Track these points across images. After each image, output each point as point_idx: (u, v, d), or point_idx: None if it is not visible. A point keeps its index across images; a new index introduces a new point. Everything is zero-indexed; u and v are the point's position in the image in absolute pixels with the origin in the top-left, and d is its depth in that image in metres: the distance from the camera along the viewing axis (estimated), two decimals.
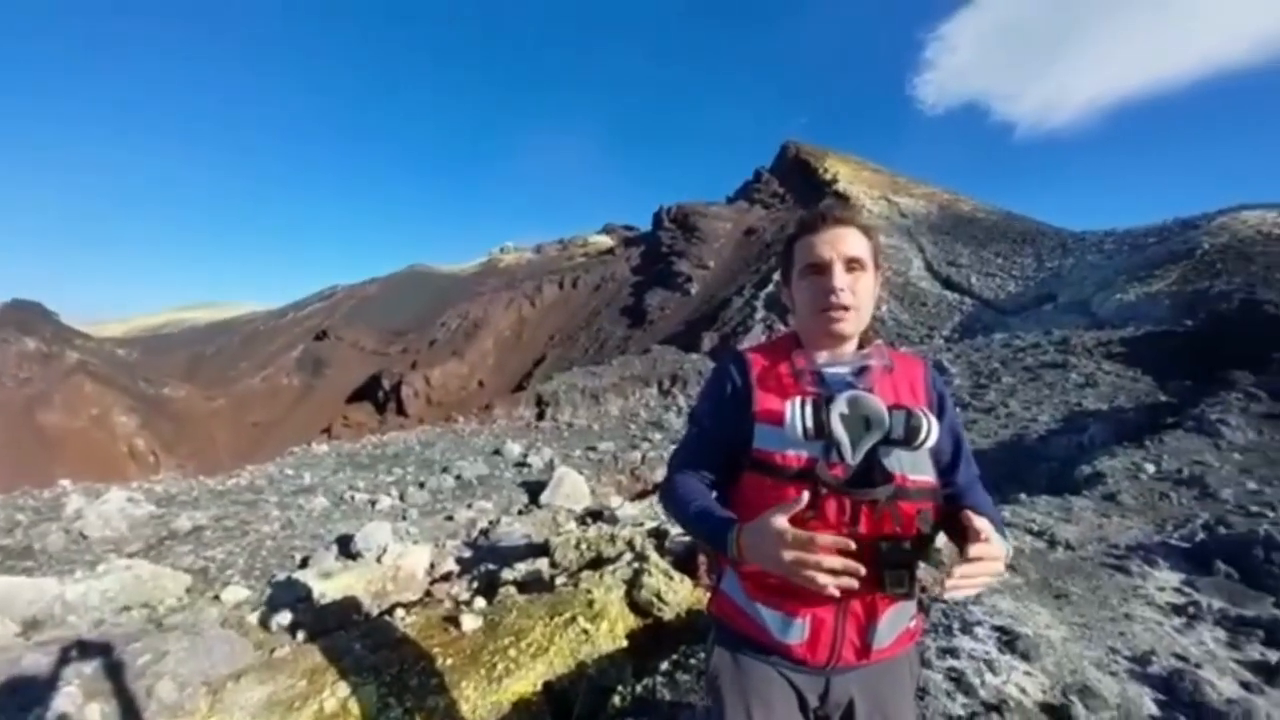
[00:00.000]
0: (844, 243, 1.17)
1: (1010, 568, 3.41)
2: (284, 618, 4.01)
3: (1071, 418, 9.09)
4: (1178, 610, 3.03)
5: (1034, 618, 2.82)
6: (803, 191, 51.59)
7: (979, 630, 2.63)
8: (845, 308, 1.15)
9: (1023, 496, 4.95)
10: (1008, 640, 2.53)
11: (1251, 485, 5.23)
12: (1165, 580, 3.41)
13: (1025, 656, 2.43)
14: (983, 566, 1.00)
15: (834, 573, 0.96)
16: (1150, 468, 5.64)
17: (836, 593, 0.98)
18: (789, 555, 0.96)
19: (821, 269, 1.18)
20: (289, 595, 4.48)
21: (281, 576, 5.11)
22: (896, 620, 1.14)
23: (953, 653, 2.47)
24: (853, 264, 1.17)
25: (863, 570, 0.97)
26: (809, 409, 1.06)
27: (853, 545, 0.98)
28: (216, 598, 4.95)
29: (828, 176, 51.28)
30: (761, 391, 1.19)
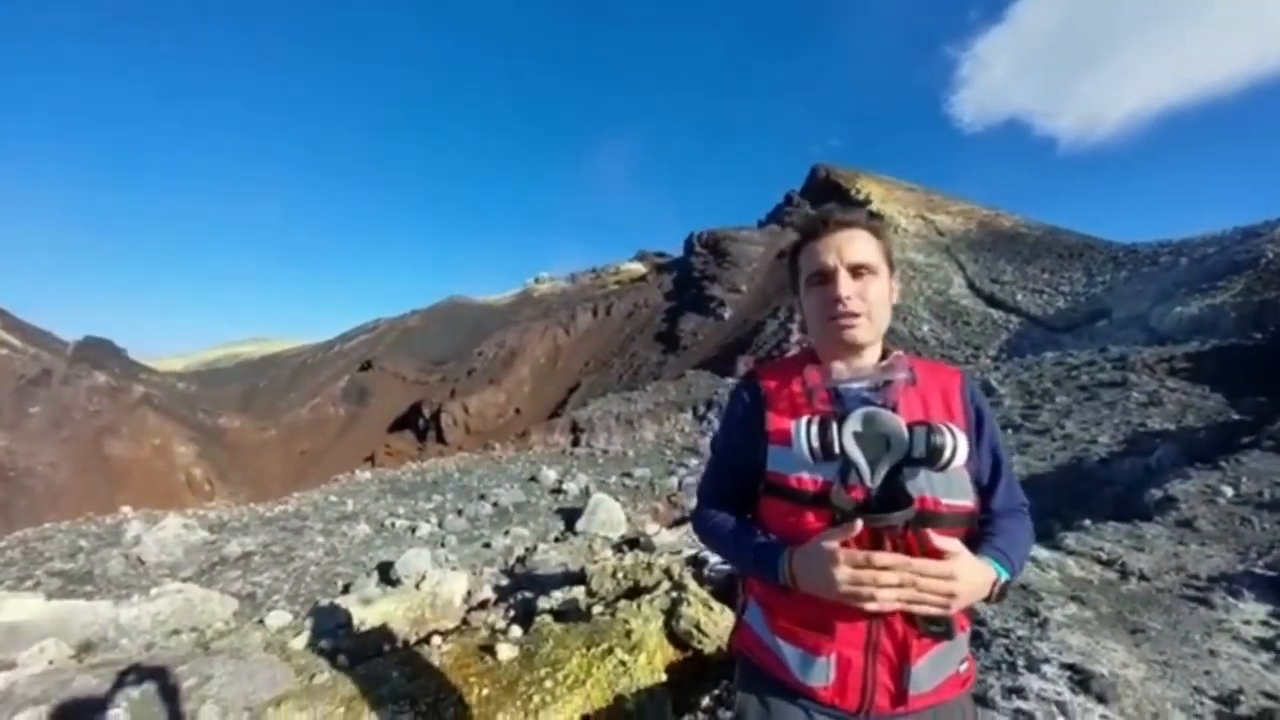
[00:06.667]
0: (849, 247, 1.10)
1: (1077, 599, 3.17)
2: (325, 643, 4.04)
3: (1135, 439, 8.54)
4: (1265, 645, 2.77)
5: (1109, 655, 2.60)
6: None
7: (1047, 669, 2.43)
8: (854, 314, 1.07)
9: (1087, 523, 4.62)
10: (1080, 680, 2.33)
11: None
12: (1251, 613, 3.12)
13: (1101, 698, 2.23)
14: (927, 583, 0.91)
15: (895, 588, 0.91)
16: (1228, 490, 5.22)
17: (897, 605, 0.93)
18: (845, 574, 0.91)
19: (826, 276, 1.10)
20: (330, 621, 4.52)
21: (324, 602, 5.17)
22: (940, 663, 1.02)
23: (1019, 693, 2.28)
24: (860, 270, 1.09)
25: (922, 583, 0.92)
26: (814, 428, 0.99)
27: (914, 562, 0.92)
28: (261, 622, 5.04)
29: (860, 197, 50.78)
30: (773, 412, 1.13)
